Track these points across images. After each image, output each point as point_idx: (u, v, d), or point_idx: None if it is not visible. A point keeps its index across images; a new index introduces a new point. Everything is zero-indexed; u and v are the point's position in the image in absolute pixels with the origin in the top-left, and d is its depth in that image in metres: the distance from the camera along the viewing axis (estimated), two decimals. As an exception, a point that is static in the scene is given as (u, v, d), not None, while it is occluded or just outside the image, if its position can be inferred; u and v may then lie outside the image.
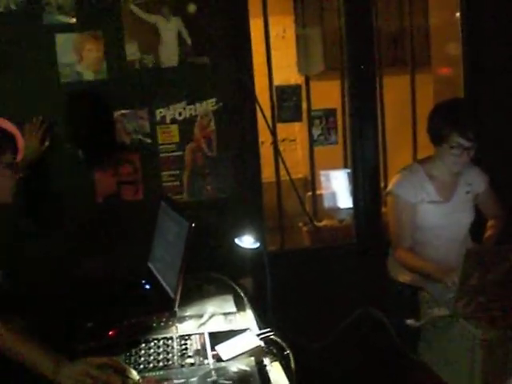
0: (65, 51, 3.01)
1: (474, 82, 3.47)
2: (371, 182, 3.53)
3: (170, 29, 3.10)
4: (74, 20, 3.01)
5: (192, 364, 1.81)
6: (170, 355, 1.87)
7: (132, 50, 3.08)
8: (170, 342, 1.97)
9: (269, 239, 3.69)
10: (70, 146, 3.06)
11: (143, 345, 1.95)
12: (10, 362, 1.83)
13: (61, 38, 3.01)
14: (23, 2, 2.95)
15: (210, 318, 2.16)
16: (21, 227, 2.96)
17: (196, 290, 2.43)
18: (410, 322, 2.55)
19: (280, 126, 3.64)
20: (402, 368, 2.73)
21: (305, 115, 3.64)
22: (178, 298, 2.21)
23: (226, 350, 1.87)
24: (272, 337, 1.95)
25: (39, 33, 2.98)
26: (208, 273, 2.61)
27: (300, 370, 1.85)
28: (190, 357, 1.85)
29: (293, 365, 1.85)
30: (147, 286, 2.49)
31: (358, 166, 3.52)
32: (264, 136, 3.57)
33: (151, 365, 1.82)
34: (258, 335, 1.95)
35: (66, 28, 3.01)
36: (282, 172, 3.67)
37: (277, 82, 3.57)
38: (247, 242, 2.47)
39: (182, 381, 1.70)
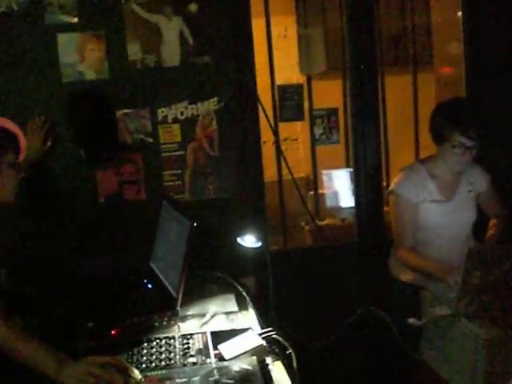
0: (67, 51, 3.02)
1: (476, 81, 3.47)
2: (373, 182, 3.53)
3: (171, 28, 3.10)
4: (75, 20, 3.02)
5: (194, 363, 1.81)
6: (172, 354, 1.87)
7: (134, 50, 3.08)
8: (172, 341, 1.97)
9: (271, 238, 3.69)
10: (72, 146, 3.07)
11: (145, 344, 1.95)
12: (10, 361, 1.84)
13: (63, 38, 3.01)
14: (25, 2, 2.95)
15: (212, 317, 2.16)
16: (22, 227, 2.96)
17: (198, 290, 2.43)
18: (411, 321, 2.55)
19: (282, 126, 3.64)
20: (403, 367, 2.73)
21: (307, 114, 3.64)
22: (180, 297, 2.22)
23: (228, 349, 1.87)
24: (274, 336, 1.95)
25: (41, 33, 2.99)
26: (210, 272, 2.62)
27: (302, 369, 1.85)
28: (192, 356, 1.85)
29: (295, 364, 1.85)
30: (149, 286, 2.50)
31: (360, 165, 3.52)
32: (266, 135, 3.57)
33: (153, 364, 1.82)
34: (260, 334, 1.96)
35: (68, 28, 3.01)
36: (284, 171, 3.68)
37: (279, 81, 3.57)
38: (249, 241, 2.47)
39: (184, 380, 1.70)
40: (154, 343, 1.96)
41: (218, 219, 3.19)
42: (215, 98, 3.19)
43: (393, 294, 2.92)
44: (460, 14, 3.50)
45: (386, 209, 3.51)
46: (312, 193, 4.11)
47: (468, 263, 2.28)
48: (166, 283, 2.38)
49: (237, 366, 1.75)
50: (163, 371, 1.77)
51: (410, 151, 3.89)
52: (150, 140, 3.17)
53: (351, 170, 3.69)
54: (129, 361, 1.84)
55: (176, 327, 2.08)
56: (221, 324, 2.10)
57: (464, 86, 3.54)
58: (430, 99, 3.81)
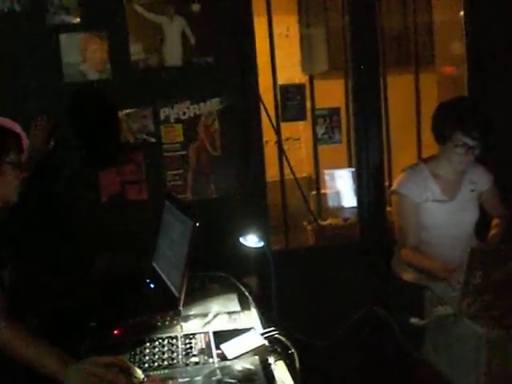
0: (69, 51, 3.03)
1: (478, 81, 3.47)
2: (375, 181, 3.53)
3: (174, 28, 3.11)
4: (78, 20, 3.02)
5: (197, 363, 1.81)
6: (175, 354, 1.87)
7: (136, 50, 3.09)
8: (174, 340, 1.97)
9: (273, 238, 3.70)
10: (75, 146, 3.07)
11: (148, 344, 1.95)
12: (9, 361, 1.84)
13: (65, 38, 3.02)
14: (28, 3, 2.96)
15: (215, 316, 2.16)
16: (24, 227, 2.97)
17: (200, 289, 2.43)
18: (414, 320, 2.55)
19: (284, 125, 3.64)
20: (406, 366, 2.73)
21: (309, 114, 3.64)
22: (183, 297, 2.21)
23: (230, 348, 1.87)
24: (276, 336, 1.95)
25: (43, 33, 3.00)
26: (212, 272, 2.61)
27: (304, 369, 1.85)
28: (194, 356, 1.85)
29: (297, 364, 1.85)
30: (152, 285, 2.49)
31: (362, 165, 3.52)
32: (268, 135, 3.58)
33: (156, 364, 1.82)
34: (263, 334, 1.95)
35: (71, 28, 3.02)
36: (287, 171, 3.68)
37: (281, 81, 3.57)
38: (251, 240, 2.47)
39: (187, 380, 1.70)
40: (157, 343, 1.95)
41: (220, 219, 3.19)
42: (217, 98, 3.20)
43: (395, 294, 2.92)
44: (462, 13, 3.50)
45: (388, 209, 3.51)
46: (314, 192, 4.11)
47: (470, 263, 2.28)
48: (169, 283, 2.38)
49: (239, 366, 1.75)
50: (166, 371, 1.77)
51: (413, 151, 3.89)
52: (153, 140, 3.18)
53: (353, 169, 3.69)
54: (131, 360, 1.84)
55: (178, 327, 2.08)
56: (223, 324, 2.10)
57: (466, 86, 3.54)
58: (432, 99, 3.81)
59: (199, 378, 1.70)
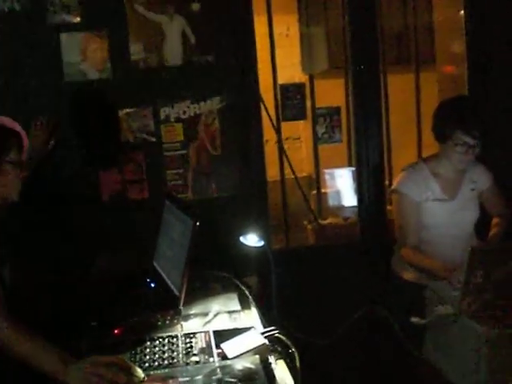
0: (69, 50, 3.03)
1: (478, 80, 3.47)
2: (376, 180, 3.53)
3: (174, 28, 3.11)
4: (78, 19, 3.03)
5: (197, 362, 1.81)
6: (175, 353, 1.87)
7: (136, 49, 3.09)
8: (175, 340, 1.96)
9: (273, 237, 3.70)
10: (75, 145, 3.07)
11: (148, 343, 1.95)
12: (9, 360, 1.84)
13: (65, 38, 3.02)
14: (28, 2, 2.96)
15: (215, 316, 2.16)
16: (24, 226, 2.97)
17: (201, 289, 2.43)
18: (414, 319, 2.55)
19: (284, 125, 3.65)
20: (406, 366, 2.73)
21: (309, 113, 3.64)
22: (183, 296, 2.21)
23: (231, 348, 1.87)
24: (277, 335, 1.95)
25: (44, 32, 3.00)
26: (213, 271, 2.61)
27: (305, 368, 1.85)
28: (195, 355, 1.85)
29: (298, 363, 1.84)
30: (152, 285, 2.49)
31: (363, 164, 3.52)
32: (268, 134, 3.57)
33: (156, 363, 1.82)
34: (263, 333, 1.95)
35: (71, 27, 3.02)
36: (287, 170, 3.68)
37: (281, 80, 3.58)
38: (252, 240, 2.47)
39: (187, 379, 1.70)
40: (157, 342, 1.95)
41: (221, 218, 3.19)
42: (217, 97, 3.20)
43: (395, 293, 2.92)
44: (462, 12, 3.50)
45: (388, 208, 3.51)
46: (314, 192, 4.12)
47: (471, 262, 2.28)
48: (169, 282, 2.38)
49: (240, 365, 1.75)
50: (166, 370, 1.77)
51: (413, 150, 3.89)
52: (153, 139, 3.18)
53: (354, 169, 3.69)
54: (132, 360, 1.84)
55: (179, 326, 2.08)
56: (223, 323, 2.10)
57: (466, 85, 3.54)
58: (432, 98, 3.81)
59: (199, 377, 1.70)
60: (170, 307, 2.21)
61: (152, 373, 1.76)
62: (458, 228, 2.87)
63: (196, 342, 1.94)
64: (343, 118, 3.67)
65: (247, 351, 1.85)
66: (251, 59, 3.27)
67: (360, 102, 3.49)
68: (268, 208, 3.46)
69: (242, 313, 2.19)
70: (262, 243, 2.42)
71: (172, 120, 3.18)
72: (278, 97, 3.52)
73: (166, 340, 1.96)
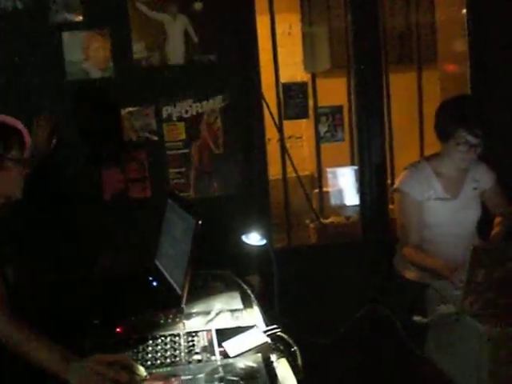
0: (71, 49, 3.03)
1: (480, 79, 3.47)
2: (378, 179, 3.53)
3: (176, 27, 3.11)
4: (80, 18, 3.03)
5: (199, 360, 1.81)
6: (178, 352, 1.87)
7: (139, 48, 3.09)
8: (177, 338, 1.97)
9: (275, 236, 3.70)
10: (77, 144, 3.07)
11: (150, 341, 1.95)
12: (11, 358, 1.85)
13: (67, 36, 3.02)
14: (30, 1, 2.96)
15: (217, 314, 2.16)
16: (27, 224, 2.97)
17: (203, 287, 2.43)
18: (417, 318, 2.55)
19: (286, 123, 3.65)
20: (408, 364, 2.73)
21: (311, 112, 3.64)
22: (185, 294, 2.22)
23: (233, 346, 1.87)
24: (279, 333, 1.95)
25: (46, 31, 3.00)
26: (215, 270, 2.62)
27: (307, 367, 1.85)
28: (197, 353, 1.86)
29: (300, 361, 1.85)
30: (154, 283, 2.50)
31: (365, 163, 3.52)
32: (270, 133, 3.58)
33: (158, 361, 1.82)
34: (265, 332, 1.96)
35: (73, 26, 3.02)
36: (289, 169, 3.68)
37: (283, 79, 3.58)
38: (254, 238, 2.47)
39: (190, 377, 1.70)
40: (159, 340, 1.96)
41: (223, 217, 3.19)
42: (220, 96, 3.20)
43: (397, 292, 2.92)
44: (464, 11, 3.50)
45: (390, 207, 3.51)
46: (316, 191, 4.12)
47: (473, 261, 2.28)
48: (171, 281, 2.39)
49: (242, 364, 1.75)
50: (168, 368, 1.77)
51: (415, 149, 3.89)
52: (155, 138, 3.18)
53: (356, 167, 3.69)
54: (134, 358, 1.84)
55: (181, 325, 2.09)
56: (226, 321, 2.10)
57: (468, 84, 3.53)
58: (434, 97, 3.81)
59: (202, 376, 1.70)
60: (172, 306, 2.21)
61: (154, 371, 1.76)
62: (460, 227, 2.87)
63: (198, 341, 1.94)
64: (345, 116, 3.67)
65: (249, 350, 1.85)
66: (253, 58, 3.27)
67: (362, 101, 3.49)
68: (270, 207, 3.47)
69: (244, 311, 2.19)
70: (263, 242, 2.42)
71: (174, 119, 3.18)
72: (281, 95, 3.52)
73: (169, 338, 1.97)
